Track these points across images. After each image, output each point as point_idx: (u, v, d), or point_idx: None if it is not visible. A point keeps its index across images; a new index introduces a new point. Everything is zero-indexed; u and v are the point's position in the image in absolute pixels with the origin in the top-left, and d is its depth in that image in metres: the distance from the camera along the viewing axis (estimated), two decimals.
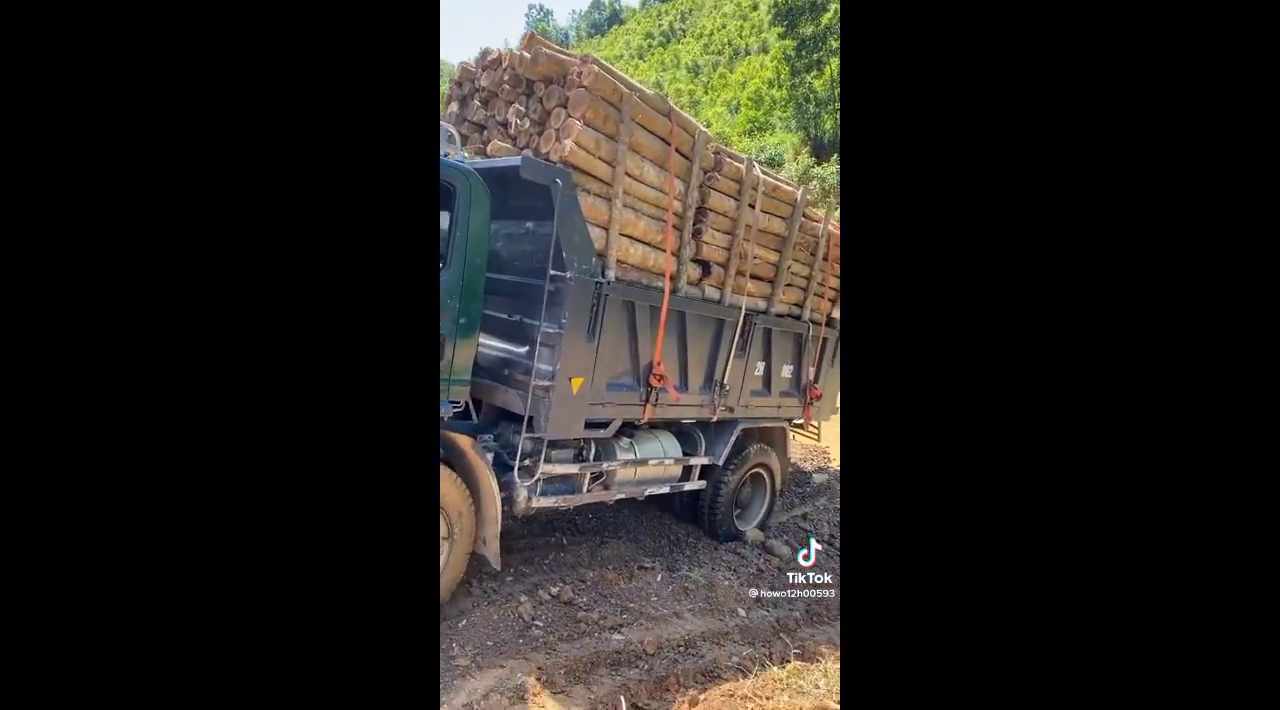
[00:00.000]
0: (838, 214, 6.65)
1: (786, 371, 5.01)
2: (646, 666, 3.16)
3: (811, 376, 5.22)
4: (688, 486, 4.58)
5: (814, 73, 31.02)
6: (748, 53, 44.27)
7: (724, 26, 50.11)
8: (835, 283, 5.11)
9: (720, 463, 4.61)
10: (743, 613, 3.87)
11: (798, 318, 4.95)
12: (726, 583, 4.07)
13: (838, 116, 30.55)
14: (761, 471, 5.09)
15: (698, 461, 4.56)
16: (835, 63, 29.93)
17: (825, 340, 5.24)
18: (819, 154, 27.34)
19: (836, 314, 5.24)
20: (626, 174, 3.35)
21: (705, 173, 3.85)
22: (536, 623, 3.32)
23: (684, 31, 56.58)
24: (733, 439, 4.61)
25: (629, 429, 4.08)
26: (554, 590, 3.63)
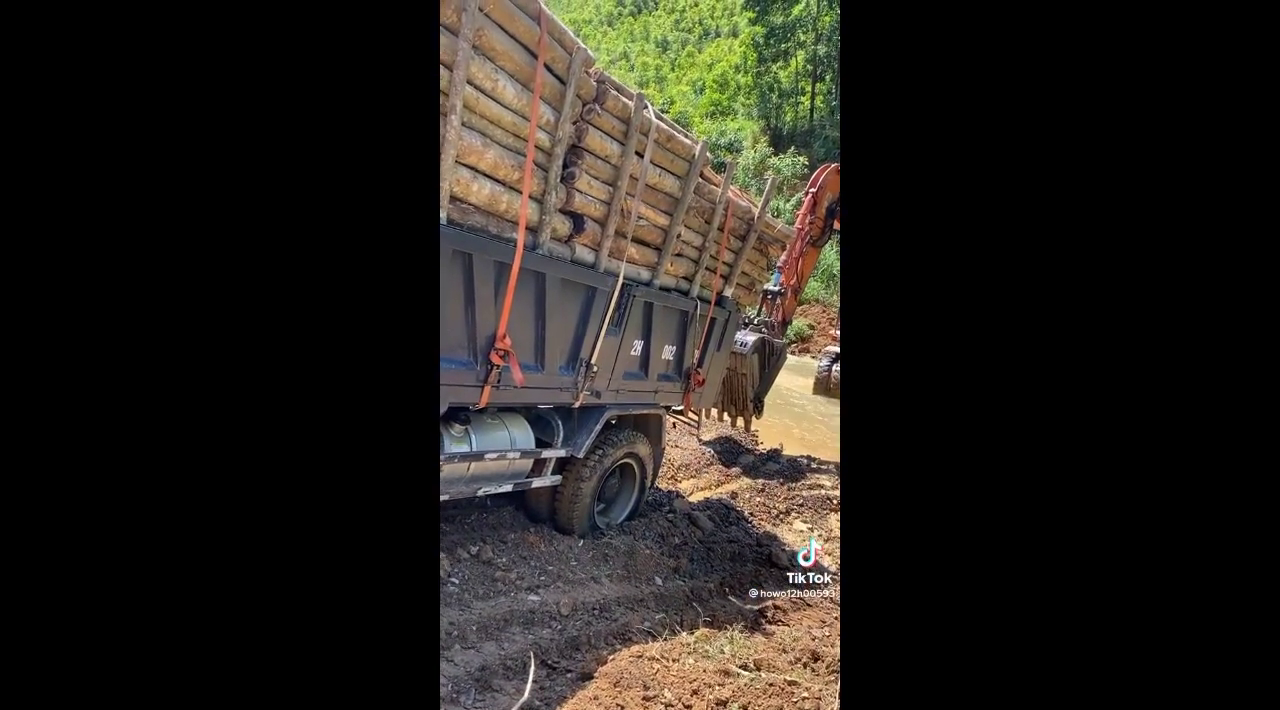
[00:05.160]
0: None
1: (668, 353, 4.36)
2: (560, 627, 3.20)
3: (695, 360, 4.63)
4: (537, 483, 3.84)
5: (780, 63, 31.17)
6: (718, 34, 44.04)
7: (696, 4, 49.58)
8: (729, 257, 4.56)
9: (581, 455, 3.93)
10: (660, 581, 3.96)
11: (685, 293, 4.30)
12: (647, 551, 4.15)
13: (799, 109, 30.92)
14: (631, 462, 4.47)
15: (552, 455, 3.82)
16: (801, 55, 30.18)
17: (713, 321, 4.65)
18: (777, 144, 27.62)
19: (729, 292, 4.71)
20: (470, 84, 2.52)
21: (584, 104, 3.04)
22: (453, 580, 3.30)
23: (656, 4, 55.65)
24: (598, 428, 3.96)
25: (464, 413, 3.33)
26: (473, 549, 3.61)
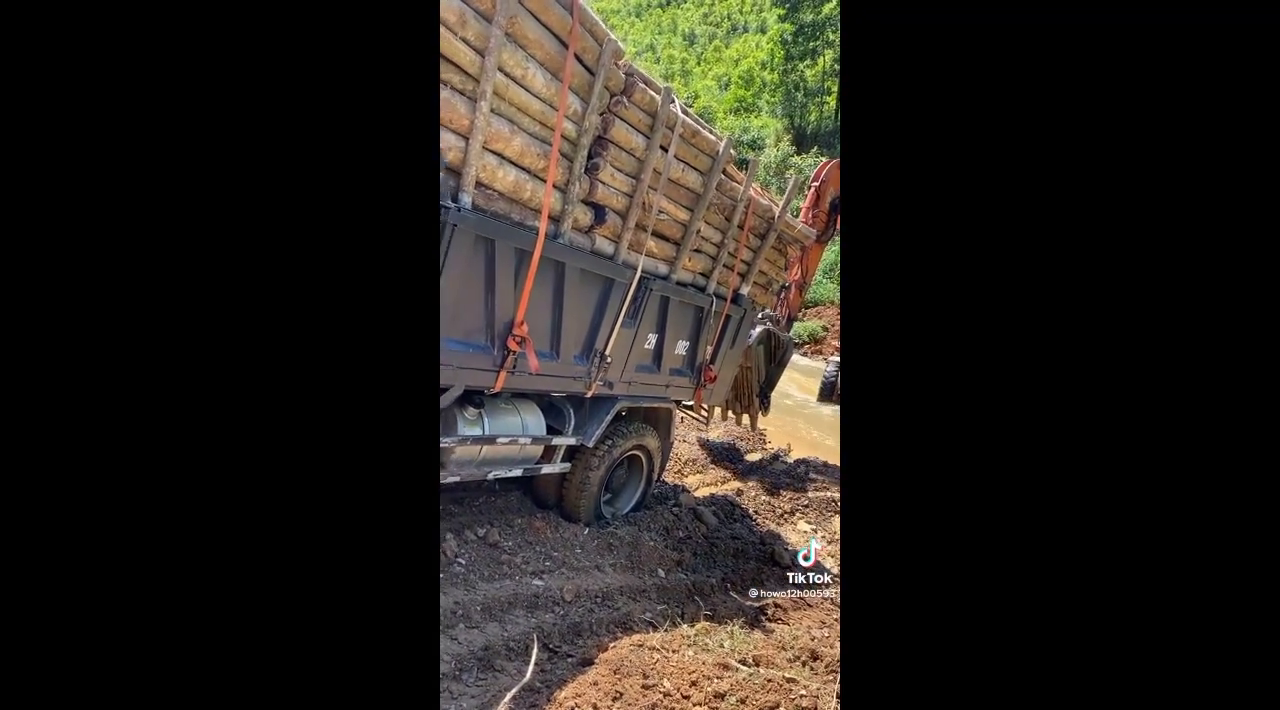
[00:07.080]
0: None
1: (681, 348, 4.41)
2: (562, 612, 3.25)
3: (708, 356, 4.67)
4: (546, 470, 3.95)
5: (808, 61, 30.87)
6: (746, 30, 43.72)
7: None
8: (748, 255, 4.57)
9: (591, 444, 4.00)
10: (662, 573, 4.00)
11: (702, 289, 4.33)
12: (652, 543, 4.18)
13: (824, 109, 30.65)
14: (639, 454, 4.57)
15: (562, 442, 3.91)
16: (830, 54, 29.89)
17: (728, 318, 4.67)
18: (800, 144, 27.42)
19: (745, 290, 4.73)
20: (501, 70, 2.53)
21: (612, 95, 3.05)
22: (459, 560, 3.35)
23: None
24: (608, 419, 4.01)
25: (478, 397, 3.38)
26: (481, 531, 3.66)
